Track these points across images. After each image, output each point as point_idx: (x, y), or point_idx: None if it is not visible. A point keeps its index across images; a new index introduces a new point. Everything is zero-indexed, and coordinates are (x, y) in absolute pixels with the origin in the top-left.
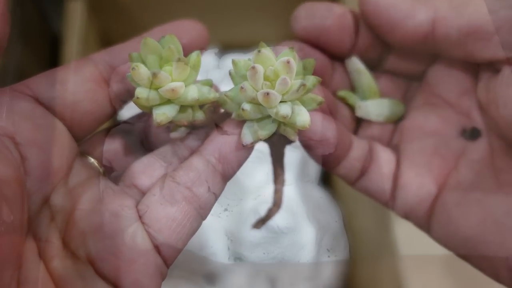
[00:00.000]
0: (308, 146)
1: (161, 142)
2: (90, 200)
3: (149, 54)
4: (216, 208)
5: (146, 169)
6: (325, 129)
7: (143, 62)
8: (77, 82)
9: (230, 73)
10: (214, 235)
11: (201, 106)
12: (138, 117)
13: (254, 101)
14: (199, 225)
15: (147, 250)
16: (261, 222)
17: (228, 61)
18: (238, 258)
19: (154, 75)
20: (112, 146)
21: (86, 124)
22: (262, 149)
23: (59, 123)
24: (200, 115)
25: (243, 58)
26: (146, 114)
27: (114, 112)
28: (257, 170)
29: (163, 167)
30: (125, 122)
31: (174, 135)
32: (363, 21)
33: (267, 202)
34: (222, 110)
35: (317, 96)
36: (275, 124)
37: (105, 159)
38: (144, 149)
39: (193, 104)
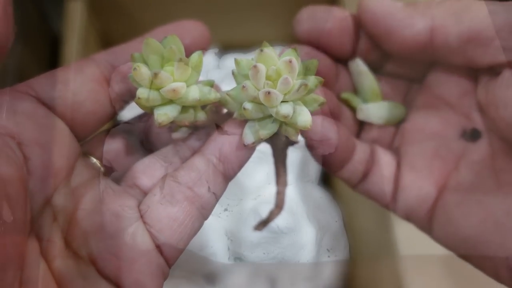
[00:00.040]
0: (309, 146)
1: (162, 142)
2: (92, 200)
3: (151, 55)
4: (216, 208)
5: (148, 170)
6: (326, 129)
7: (145, 63)
8: (79, 83)
9: (233, 73)
10: (214, 235)
11: (203, 107)
12: (138, 117)
13: (255, 101)
14: (201, 224)
15: (149, 250)
16: (262, 224)
17: (228, 61)
18: (238, 258)
19: (155, 75)
20: (112, 146)
21: (88, 124)
22: (262, 149)
23: (61, 123)
24: (202, 116)
25: (245, 58)
26: (146, 115)
27: (116, 112)
28: (257, 170)
29: (165, 167)
30: (126, 122)
31: (176, 135)
32: (362, 29)
33: (267, 202)
34: (225, 111)
35: (319, 97)
36: (277, 124)
37: (105, 159)
38: (144, 149)
39: (194, 104)
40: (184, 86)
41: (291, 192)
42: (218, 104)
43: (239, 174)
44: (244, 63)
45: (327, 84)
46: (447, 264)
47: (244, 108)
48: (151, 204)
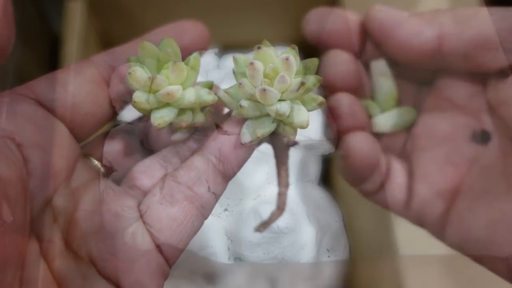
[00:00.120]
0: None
1: (161, 142)
2: (92, 200)
3: (147, 58)
4: (216, 208)
5: (148, 170)
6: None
7: (142, 65)
8: (78, 84)
9: (233, 71)
10: (214, 235)
11: (202, 108)
12: (138, 118)
13: (252, 98)
14: (201, 224)
15: (149, 250)
16: (263, 226)
17: (228, 61)
18: (238, 258)
19: (151, 79)
20: (112, 147)
21: (88, 126)
22: (262, 149)
23: (61, 125)
24: (200, 117)
25: (244, 56)
26: (146, 115)
27: (116, 113)
28: (257, 170)
29: (165, 167)
30: (126, 122)
31: (175, 137)
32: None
33: (267, 202)
34: (226, 111)
35: (318, 96)
36: (275, 123)
37: (105, 159)
38: (144, 149)
39: (191, 106)
40: (179, 89)
41: (291, 192)
42: (219, 105)
43: (239, 174)
44: (242, 61)
45: (358, 91)
46: (447, 264)
47: (241, 106)
48: (151, 204)
